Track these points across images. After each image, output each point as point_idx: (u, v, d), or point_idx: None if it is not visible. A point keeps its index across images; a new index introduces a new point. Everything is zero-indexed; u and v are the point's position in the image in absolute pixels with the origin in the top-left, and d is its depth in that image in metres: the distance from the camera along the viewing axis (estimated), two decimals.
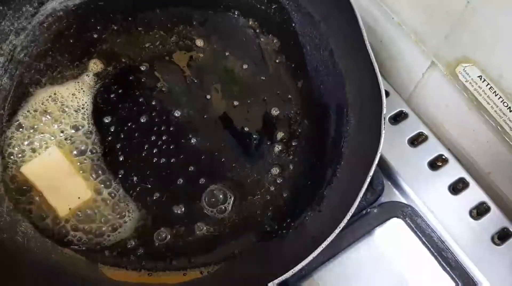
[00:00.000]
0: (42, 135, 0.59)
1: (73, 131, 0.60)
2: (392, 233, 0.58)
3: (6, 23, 0.62)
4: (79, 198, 0.55)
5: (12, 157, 0.58)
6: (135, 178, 0.58)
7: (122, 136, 0.60)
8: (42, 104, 0.61)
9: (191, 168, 0.59)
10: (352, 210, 0.47)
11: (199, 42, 0.67)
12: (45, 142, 0.59)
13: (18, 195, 0.56)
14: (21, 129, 0.59)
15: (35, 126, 0.60)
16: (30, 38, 0.64)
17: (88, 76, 0.64)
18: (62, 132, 0.59)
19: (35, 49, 0.64)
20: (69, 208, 0.55)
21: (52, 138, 0.59)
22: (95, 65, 0.64)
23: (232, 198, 0.58)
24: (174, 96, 0.64)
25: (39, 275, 0.52)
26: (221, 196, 0.58)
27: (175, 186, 0.58)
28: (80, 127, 0.60)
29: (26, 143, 0.58)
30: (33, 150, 0.58)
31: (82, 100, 0.62)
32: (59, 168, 0.56)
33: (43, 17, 0.64)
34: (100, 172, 0.58)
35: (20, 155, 0.58)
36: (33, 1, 0.63)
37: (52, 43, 0.64)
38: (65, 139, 0.59)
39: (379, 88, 0.51)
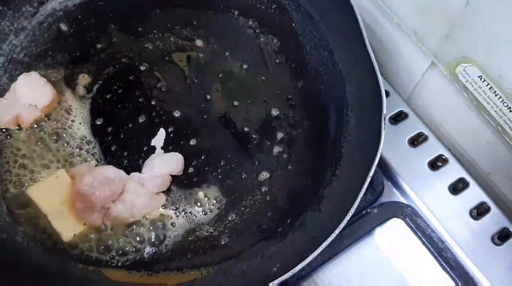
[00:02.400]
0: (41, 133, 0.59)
1: (71, 128, 0.60)
2: (392, 233, 0.58)
3: (6, 23, 0.62)
4: (84, 224, 0.54)
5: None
6: None
7: (122, 136, 0.61)
8: None
9: (191, 170, 0.59)
10: (352, 210, 0.47)
11: (199, 42, 0.67)
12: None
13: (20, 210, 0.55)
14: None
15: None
16: (30, 38, 0.64)
17: (87, 77, 0.64)
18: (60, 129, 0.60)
19: (35, 49, 0.64)
20: (74, 234, 0.54)
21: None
22: (93, 68, 0.64)
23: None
24: (174, 96, 0.64)
25: (39, 275, 0.52)
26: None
27: (175, 186, 0.58)
28: (79, 124, 0.60)
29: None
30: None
31: (82, 101, 0.62)
32: (66, 192, 0.55)
33: (43, 17, 0.64)
34: None
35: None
36: (33, 1, 0.64)
37: (52, 43, 0.64)
38: (61, 138, 0.59)
39: (379, 88, 0.51)
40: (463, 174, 0.62)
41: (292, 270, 0.45)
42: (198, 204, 0.57)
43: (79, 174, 0.56)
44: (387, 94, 0.66)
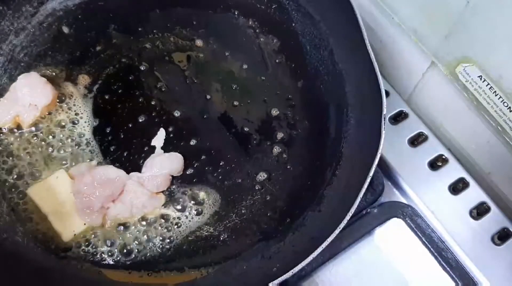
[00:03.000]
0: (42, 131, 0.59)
1: (71, 128, 0.60)
2: (392, 233, 0.58)
3: (6, 23, 0.62)
4: (84, 224, 0.54)
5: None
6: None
7: (122, 136, 0.61)
8: None
9: (191, 170, 0.59)
10: (352, 210, 0.47)
11: (199, 42, 0.67)
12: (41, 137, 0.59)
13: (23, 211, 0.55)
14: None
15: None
16: (30, 38, 0.64)
17: (87, 77, 0.64)
18: (62, 128, 0.60)
19: (35, 49, 0.64)
20: (74, 234, 0.54)
21: (51, 136, 0.59)
22: (93, 68, 0.65)
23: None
24: (174, 96, 0.64)
25: (39, 275, 0.52)
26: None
27: (175, 186, 0.58)
28: (79, 124, 0.60)
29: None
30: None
31: (82, 101, 0.62)
32: (66, 192, 0.55)
33: (43, 17, 0.64)
34: None
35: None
36: (33, 1, 0.64)
37: (52, 43, 0.64)
38: (63, 140, 0.59)
39: (379, 88, 0.51)
40: (463, 174, 0.62)
41: (292, 270, 0.45)
42: (198, 204, 0.57)
43: (79, 174, 0.56)
44: (387, 94, 0.66)
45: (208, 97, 0.64)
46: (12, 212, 0.55)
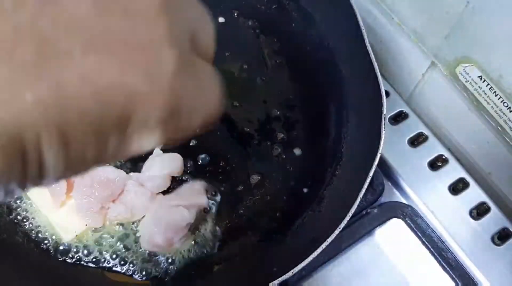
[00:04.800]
0: None
1: None
2: (392, 233, 0.58)
3: None
4: (85, 224, 0.54)
5: None
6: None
7: None
8: None
9: (190, 170, 0.59)
10: (352, 210, 0.47)
11: None
12: None
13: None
14: None
15: None
16: None
17: None
18: None
19: None
20: (75, 235, 0.54)
21: None
22: None
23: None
24: None
25: (39, 275, 0.52)
26: None
27: (175, 187, 0.58)
28: None
29: None
30: None
31: None
32: (66, 192, 0.54)
33: None
34: None
35: None
36: None
37: None
38: None
39: (379, 88, 0.52)
40: (463, 174, 0.62)
41: (292, 270, 0.45)
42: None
43: None
44: (387, 94, 0.66)
45: None
46: (12, 213, 0.55)
